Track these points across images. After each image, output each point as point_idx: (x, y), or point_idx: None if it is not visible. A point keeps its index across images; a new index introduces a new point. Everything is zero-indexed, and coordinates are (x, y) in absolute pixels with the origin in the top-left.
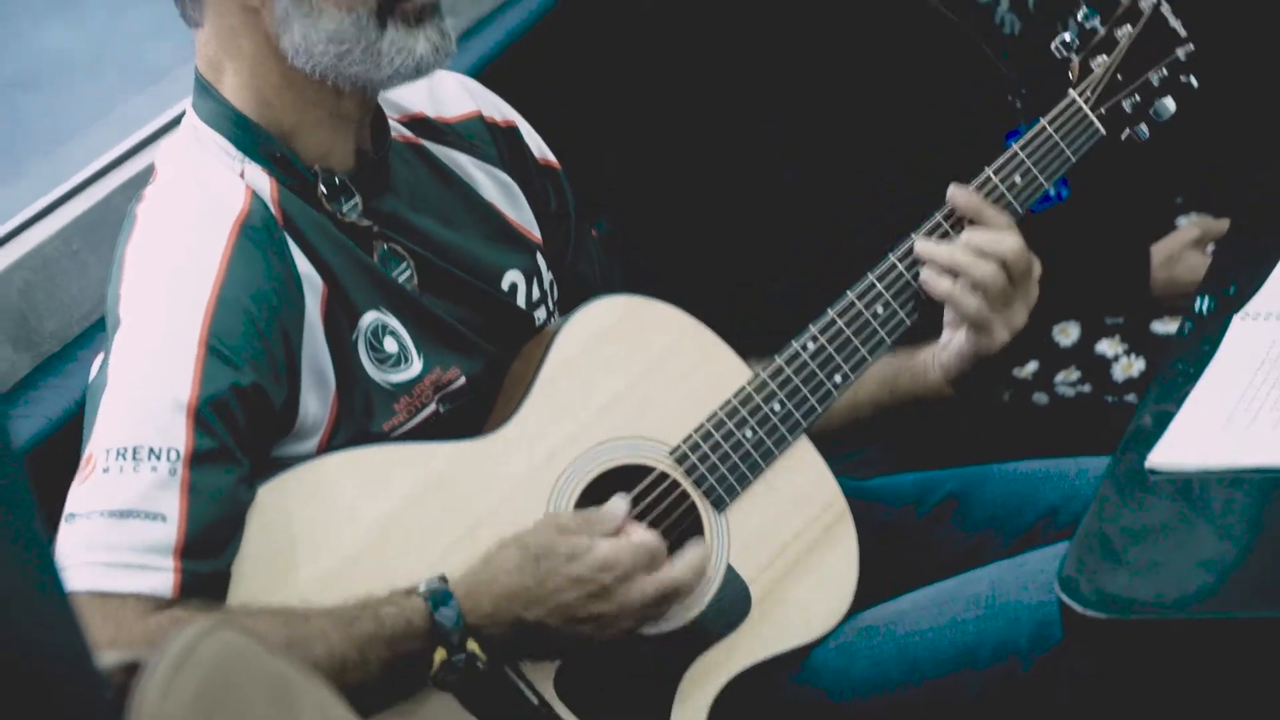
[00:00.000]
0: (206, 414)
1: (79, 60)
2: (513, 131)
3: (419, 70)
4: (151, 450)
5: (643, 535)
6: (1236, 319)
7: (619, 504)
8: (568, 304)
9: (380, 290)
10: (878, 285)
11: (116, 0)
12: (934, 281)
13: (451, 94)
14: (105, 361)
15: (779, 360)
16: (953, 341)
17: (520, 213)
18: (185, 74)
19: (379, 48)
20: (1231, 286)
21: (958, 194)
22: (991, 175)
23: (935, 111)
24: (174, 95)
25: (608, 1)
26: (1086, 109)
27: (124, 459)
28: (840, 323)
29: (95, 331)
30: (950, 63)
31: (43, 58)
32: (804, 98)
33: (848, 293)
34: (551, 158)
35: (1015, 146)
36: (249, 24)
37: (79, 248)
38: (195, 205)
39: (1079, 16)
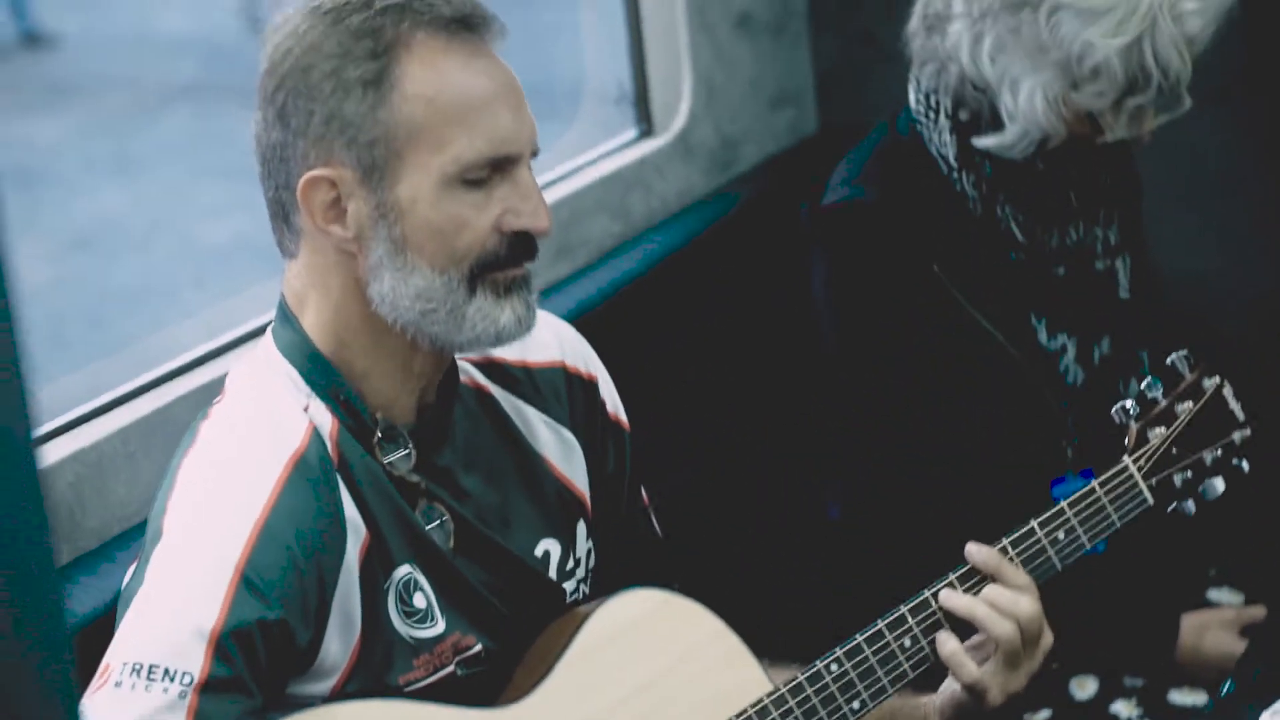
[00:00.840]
0: (228, 643)
1: (134, 227)
2: (592, 385)
3: (498, 340)
4: (166, 671)
5: None
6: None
7: None
8: (602, 574)
9: (417, 547)
10: (909, 620)
11: (175, 171)
12: (943, 639)
13: (541, 337)
14: (139, 570)
15: (801, 678)
16: (950, 690)
17: (575, 473)
18: (262, 290)
19: (464, 312)
20: (1255, 672)
21: (975, 552)
22: (1036, 527)
23: (987, 446)
24: (246, 313)
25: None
26: (1139, 477)
27: (138, 675)
28: (867, 650)
29: (135, 534)
30: (1010, 401)
31: (99, 220)
32: (860, 422)
33: (878, 621)
34: (623, 417)
35: (1064, 504)
36: (341, 265)
37: (135, 450)
38: (256, 433)
39: (1142, 385)
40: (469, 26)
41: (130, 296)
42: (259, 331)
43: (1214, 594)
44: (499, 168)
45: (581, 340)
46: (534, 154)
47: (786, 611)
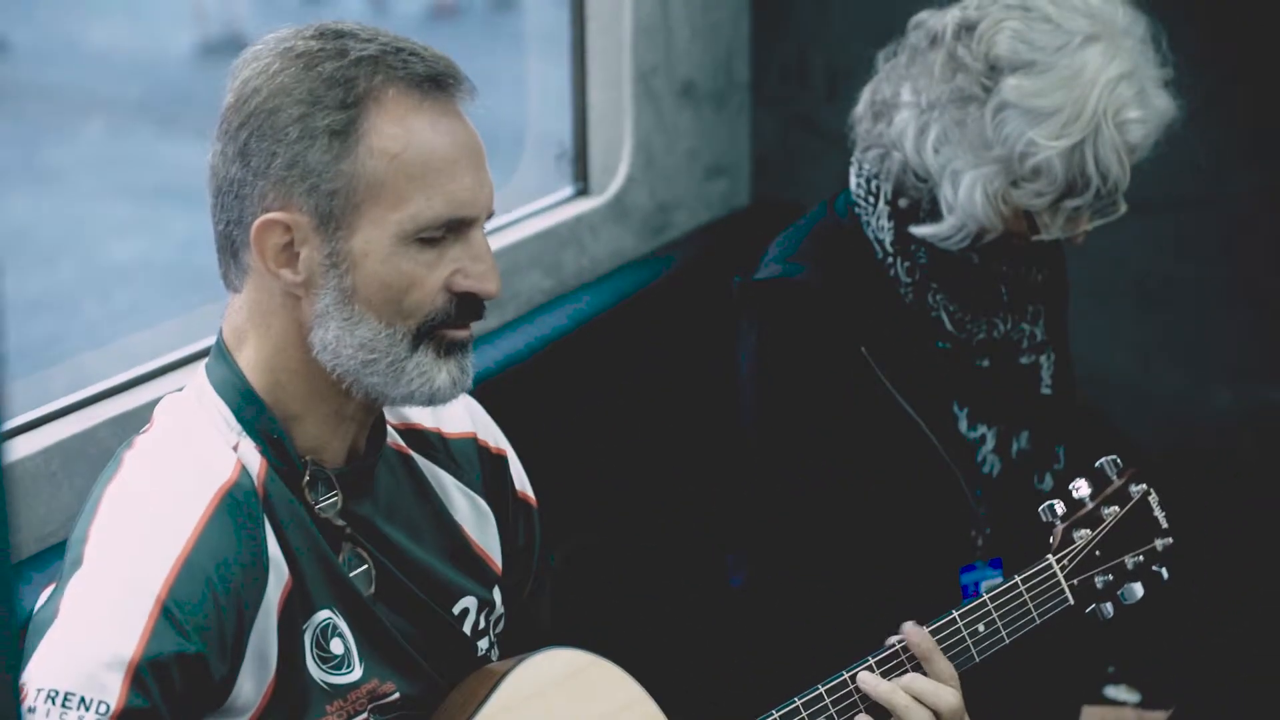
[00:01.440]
0: (145, 673)
1: (41, 239)
2: (501, 460)
3: (432, 399)
4: (82, 700)
5: None
6: None
7: None
8: (509, 637)
9: (338, 591)
10: (825, 699)
11: (89, 186)
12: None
13: (454, 410)
14: (55, 595)
15: None
16: None
17: (488, 540)
18: (192, 321)
19: (404, 366)
20: None
21: (913, 633)
22: (958, 618)
23: (899, 528)
24: (172, 342)
25: (614, 342)
26: (1061, 577)
27: (52, 703)
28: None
29: (52, 556)
30: (926, 487)
31: (5, 229)
32: (773, 493)
33: (795, 699)
34: (530, 493)
35: (985, 596)
36: (285, 308)
37: (56, 470)
38: (183, 466)
39: (1070, 486)
40: (441, 86)
41: (29, 308)
42: (189, 359)
43: (1111, 691)
44: (454, 228)
45: (489, 417)
46: (489, 216)
47: (695, 682)
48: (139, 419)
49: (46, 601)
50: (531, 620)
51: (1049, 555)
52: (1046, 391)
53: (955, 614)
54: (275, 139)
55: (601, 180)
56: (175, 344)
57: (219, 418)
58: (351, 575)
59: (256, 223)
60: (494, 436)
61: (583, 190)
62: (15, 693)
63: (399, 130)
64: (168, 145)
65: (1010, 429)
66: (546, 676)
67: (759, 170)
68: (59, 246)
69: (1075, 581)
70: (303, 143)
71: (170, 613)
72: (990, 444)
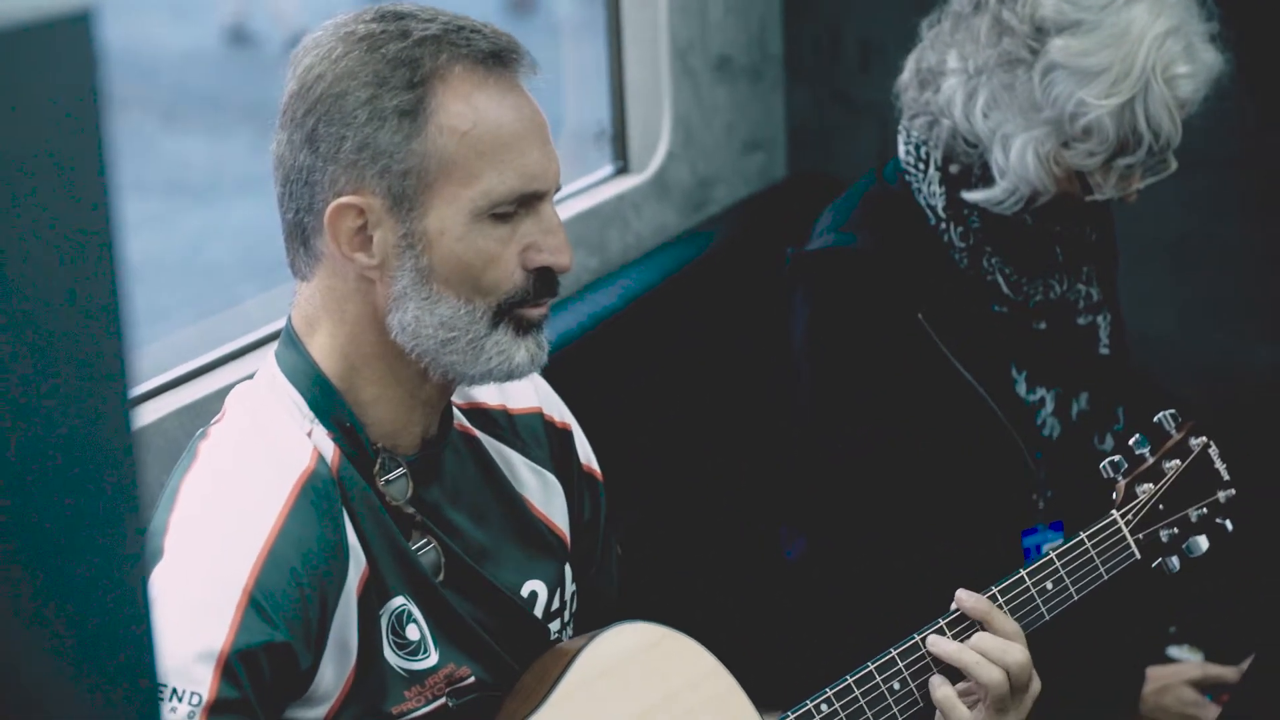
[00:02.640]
0: (236, 664)
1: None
2: (567, 434)
3: (510, 375)
4: (175, 691)
5: None
6: None
7: None
8: (581, 616)
9: (410, 578)
10: (899, 663)
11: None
12: (936, 684)
13: (519, 386)
14: None
15: (791, 716)
16: None
17: (555, 514)
18: (252, 309)
19: (483, 344)
20: None
21: (966, 598)
22: (1025, 576)
23: (959, 494)
24: (232, 331)
25: (664, 317)
26: (1126, 532)
27: None
28: (857, 691)
29: None
30: (986, 451)
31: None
32: (832, 463)
33: (868, 664)
34: (596, 467)
35: (1052, 554)
36: (360, 292)
37: None
38: (261, 455)
39: (1130, 442)
40: (503, 62)
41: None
42: (253, 347)
43: (1174, 651)
44: (525, 203)
45: (553, 392)
46: (557, 189)
47: (759, 655)
48: (207, 409)
49: None
50: (599, 598)
51: (1113, 511)
52: (1104, 352)
53: (1023, 572)
54: (344, 123)
55: (642, 158)
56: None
57: (291, 405)
58: (422, 562)
59: (329, 208)
60: (559, 411)
61: (623, 169)
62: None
63: (466, 107)
64: (173, 140)
65: (1069, 390)
66: (620, 651)
67: (794, 144)
68: None
69: (1140, 536)
70: (372, 124)
71: (258, 603)
72: (1050, 406)
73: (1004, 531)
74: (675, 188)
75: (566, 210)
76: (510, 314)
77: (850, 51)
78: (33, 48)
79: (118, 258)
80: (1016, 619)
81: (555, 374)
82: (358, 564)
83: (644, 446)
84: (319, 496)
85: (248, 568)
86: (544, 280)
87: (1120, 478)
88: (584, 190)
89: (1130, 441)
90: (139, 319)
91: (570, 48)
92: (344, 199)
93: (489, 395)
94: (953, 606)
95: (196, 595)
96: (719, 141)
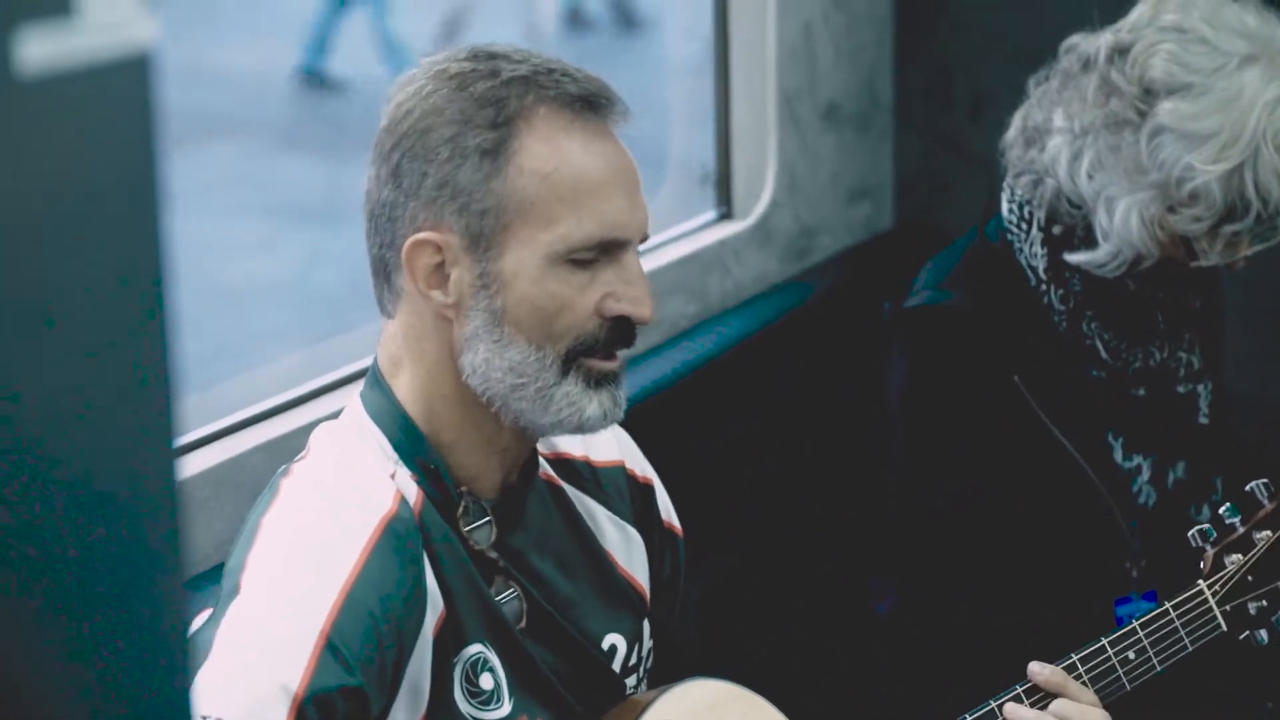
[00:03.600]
0: (309, 707)
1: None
2: (649, 489)
3: (581, 429)
4: None
5: None
6: None
7: None
8: (656, 670)
9: (490, 624)
10: None
11: (215, 206)
12: None
13: (603, 438)
14: (210, 622)
15: None
16: None
17: (637, 569)
18: (338, 347)
19: (552, 394)
20: None
21: (1038, 670)
22: (1107, 645)
23: (1052, 559)
24: (316, 367)
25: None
26: (1213, 603)
27: None
28: None
29: (201, 582)
30: (1080, 517)
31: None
32: (924, 522)
33: None
34: (676, 523)
35: (1136, 623)
36: (438, 331)
37: (207, 497)
38: (343, 495)
39: (1220, 510)
40: (593, 107)
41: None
42: (336, 385)
43: None
44: (606, 250)
45: (636, 447)
46: (643, 239)
47: (839, 711)
48: (289, 445)
49: (201, 629)
50: (674, 652)
51: (1200, 581)
52: (1204, 421)
53: (1104, 641)
54: (426, 159)
55: (745, 204)
56: (320, 369)
57: (376, 446)
58: (503, 609)
59: (408, 243)
60: (641, 465)
61: (726, 214)
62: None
63: (549, 150)
64: (287, 163)
65: (1166, 459)
66: (690, 707)
67: (902, 193)
68: (184, 267)
69: (1228, 607)
70: (453, 162)
71: (334, 646)
72: (1146, 474)
73: (1097, 599)
74: (778, 235)
75: (667, 255)
76: (579, 363)
77: (962, 100)
78: (91, 91)
79: (169, 309)
80: (1096, 689)
81: (649, 420)
82: (435, 609)
83: (737, 495)
84: (400, 540)
85: (326, 610)
86: (619, 331)
87: (1209, 547)
88: (686, 235)
89: (1221, 510)
90: (249, 341)
91: (678, 86)
92: (422, 235)
93: (573, 446)
94: (1027, 679)
95: (273, 634)
96: (824, 189)
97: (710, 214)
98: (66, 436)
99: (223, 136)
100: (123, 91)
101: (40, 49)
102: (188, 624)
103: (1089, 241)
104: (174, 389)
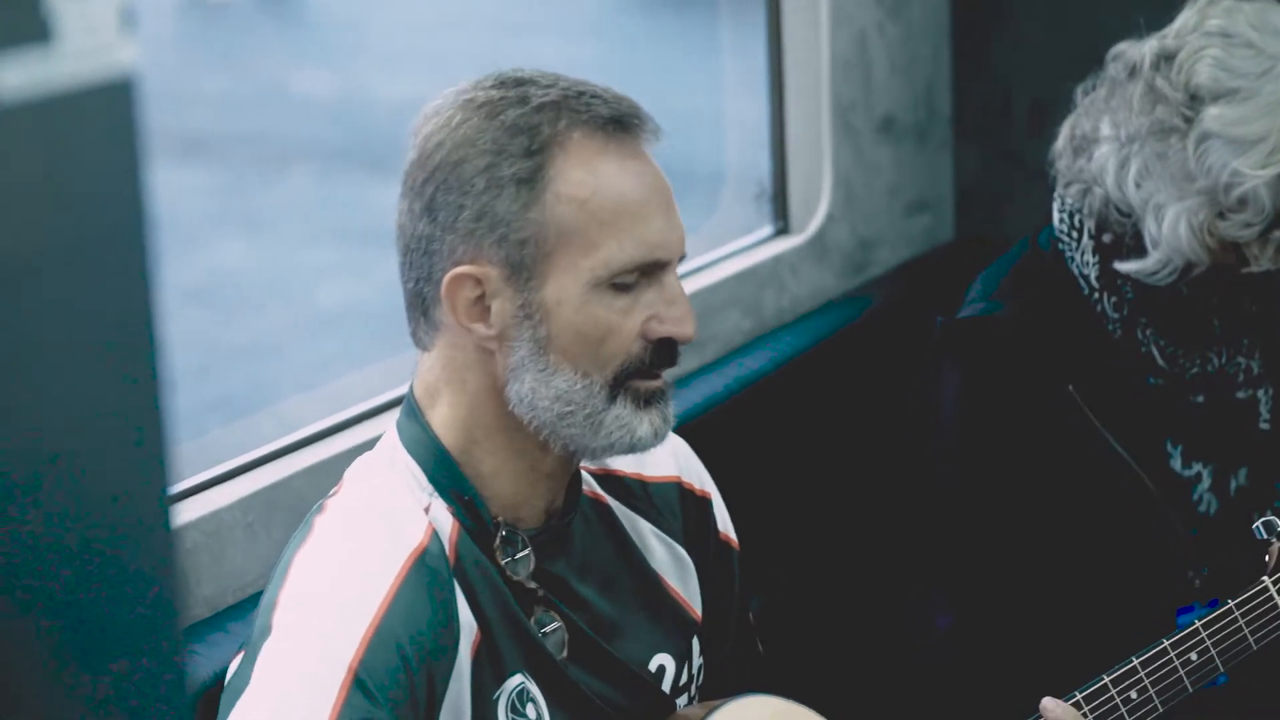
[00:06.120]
0: None
1: (250, 284)
2: (706, 503)
3: (633, 449)
4: None
5: None
6: None
7: None
8: (707, 687)
9: (530, 655)
10: None
11: (300, 231)
12: None
13: (658, 454)
14: (246, 661)
15: None
16: None
17: (688, 589)
18: (383, 367)
19: (602, 419)
20: None
21: (1052, 709)
22: (1168, 646)
23: (1112, 570)
24: (366, 388)
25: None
26: (1279, 599)
27: None
28: None
29: (249, 606)
30: (1139, 527)
31: (216, 275)
32: (981, 535)
33: None
34: (733, 536)
35: (1198, 623)
36: (480, 362)
37: (253, 520)
38: (374, 531)
39: None
40: (625, 128)
41: (237, 355)
42: (382, 409)
43: None
44: (647, 272)
45: (695, 457)
46: (681, 258)
47: None
48: (335, 468)
49: (239, 668)
50: (731, 667)
51: (1264, 577)
52: (1264, 427)
53: (1166, 643)
54: (462, 191)
55: (801, 218)
56: (379, 388)
57: (410, 479)
58: (544, 638)
59: (447, 277)
60: (699, 478)
61: (783, 229)
62: None
63: (586, 175)
64: (379, 189)
65: (1227, 466)
66: None
67: (962, 205)
68: (268, 292)
69: None
70: (490, 193)
71: (362, 682)
72: (1206, 482)
73: (1158, 609)
74: (834, 249)
75: (723, 270)
76: (626, 385)
77: (1021, 111)
78: (72, 116)
79: (159, 340)
80: (1156, 691)
81: (703, 435)
82: (469, 634)
83: (791, 510)
84: (431, 573)
85: (354, 647)
86: (663, 351)
87: (1275, 539)
88: (741, 251)
89: None
90: (333, 365)
91: (733, 101)
92: (461, 269)
93: (624, 463)
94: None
95: (302, 673)
96: (881, 203)
97: (767, 229)
98: (48, 483)
99: (302, 161)
100: (105, 116)
101: (19, 75)
102: (186, 672)
103: (1139, 250)
104: (167, 434)
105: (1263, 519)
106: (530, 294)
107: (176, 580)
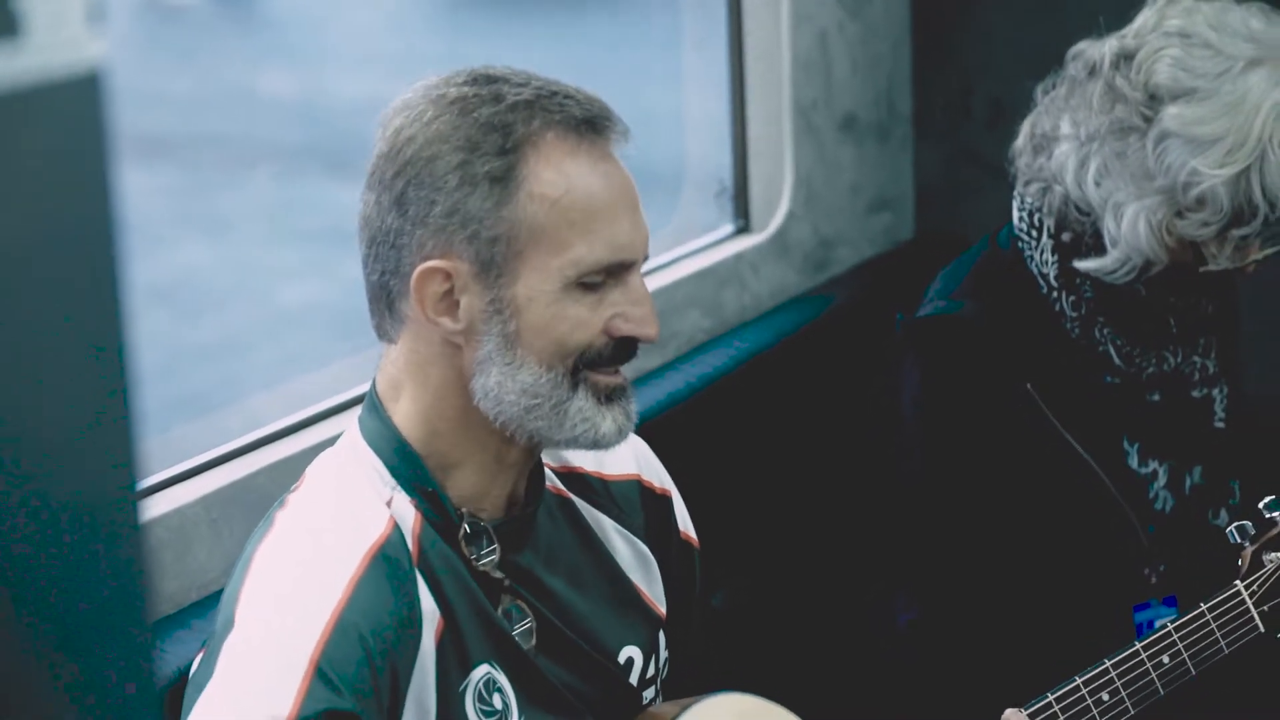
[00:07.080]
0: None
1: (213, 284)
2: (666, 501)
3: (596, 445)
4: None
5: None
6: None
7: None
8: (673, 683)
9: (498, 645)
10: None
11: (262, 232)
12: None
13: (618, 452)
14: (209, 656)
15: None
16: None
17: (652, 585)
18: (344, 366)
19: (566, 409)
20: None
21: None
22: (1140, 649)
23: (1070, 567)
24: (328, 387)
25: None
26: (1250, 604)
27: None
28: None
29: (213, 602)
30: (1097, 524)
31: (177, 273)
32: (940, 532)
33: None
34: (693, 534)
35: (1170, 626)
36: (444, 356)
37: (217, 517)
38: (335, 525)
39: (1260, 505)
40: (596, 129)
41: (200, 354)
42: (344, 406)
43: None
44: (613, 273)
45: (654, 456)
46: (645, 259)
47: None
48: (298, 464)
49: (202, 663)
50: (696, 665)
51: (1237, 581)
52: (1220, 425)
53: (1138, 645)
54: (434, 187)
55: (762, 217)
56: (341, 386)
57: (373, 473)
58: (513, 628)
59: (416, 271)
60: (658, 476)
61: (743, 227)
62: None
63: (558, 175)
64: (339, 189)
65: (1183, 464)
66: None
67: (923, 203)
68: (230, 292)
69: (1266, 608)
70: (462, 190)
71: (324, 673)
72: (1162, 480)
73: (1116, 606)
74: (795, 248)
75: (683, 269)
76: (584, 376)
77: (981, 110)
78: (39, 111)
79: (127, 334)
80: (1128, 693)
81: (664, 433)
82: (431, 622)
83: (753, 509)
84: (392, 565)
85: (315, 638)
86: (623, 347)
87: (1247, 544)
88: (702, 250)
89: (1261, 505)
90: (296, 363)
91: (693, 99)
92: (431, 263)
93: (584, 460)
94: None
95: (263, 665)
96: (842, 201)
97: (727, 227)
98: (21, 471)
99: (264, 162)
100: (72, 111)
101: None
102: (155, 666)
103: (1098, 248)
104: (135, 433)
105: (1236, 523)
106: (500, 290)
107: (145, 575)
